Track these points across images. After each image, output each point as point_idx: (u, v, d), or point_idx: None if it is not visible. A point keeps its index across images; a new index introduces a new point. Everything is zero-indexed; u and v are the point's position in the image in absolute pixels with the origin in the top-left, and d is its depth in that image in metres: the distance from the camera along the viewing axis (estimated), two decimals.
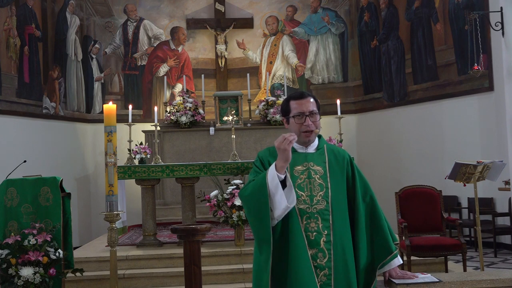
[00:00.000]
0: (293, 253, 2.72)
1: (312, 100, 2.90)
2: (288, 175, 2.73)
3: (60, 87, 10.29)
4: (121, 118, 8.30)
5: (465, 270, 5.92)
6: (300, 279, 2.70)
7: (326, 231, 2.76)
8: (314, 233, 2.75)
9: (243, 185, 6.64)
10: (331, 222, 2.77)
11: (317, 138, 2.97)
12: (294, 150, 2.90)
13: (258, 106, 10.37)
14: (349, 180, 2.92)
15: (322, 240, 2.75)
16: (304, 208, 2.77)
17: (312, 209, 2.77)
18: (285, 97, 10.10)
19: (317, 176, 2.84)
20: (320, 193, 2.80)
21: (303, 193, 2.79)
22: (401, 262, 3.05)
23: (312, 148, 2.93)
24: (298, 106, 2.87)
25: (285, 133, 2.70)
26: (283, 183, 2.70)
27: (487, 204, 8.56)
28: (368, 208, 2.93)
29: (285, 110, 2.94)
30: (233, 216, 6.42)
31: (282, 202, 2.67)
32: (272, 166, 2.71)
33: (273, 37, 11.94)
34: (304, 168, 2.85)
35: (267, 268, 2.72)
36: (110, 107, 4.08)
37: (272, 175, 2.68)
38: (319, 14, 11.85)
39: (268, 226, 2.69)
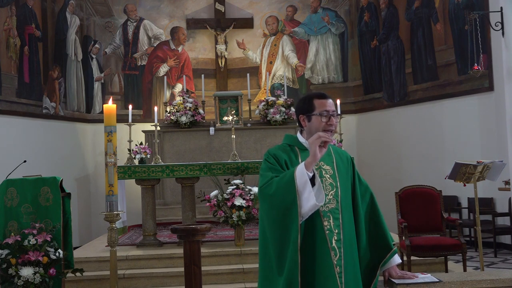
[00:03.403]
0: (318, 261, 2.73)
1: (332, 101, 2.92)
2: (317, 173, 2.71)
3: (60, 87, 10.29)
4: (121, 118, 8.29)
5: (465, 270, 5.92)
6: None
7: (337, 230, 2.78)
8: (327, 232, 2.77)
9: (243, 185, 6.64)
10: (341, 221, 2.80)
11: None
12: (305, 149, 2.90)
13: (258, 106, 10.36)
14: (351, 180, 2.97)
15: (333, 238, 2.77)
16: None
17: (325, 208, 2.79)
18: (285, 97, 10.26)
19: (328, 175, 2.86)
20: (331, 192, 2.83)
21: None
22: (400, 261, 3.08)
23: None
24: (323, 105, 2.87)
25: (321, 133, 2.72)
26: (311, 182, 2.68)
27: (487, 204, 8.56)
28: (368, 206, 2.99)
29: (306, 108, 2.90)
30: (233, 216, 6.41)
31: (310, 199, 2.63)
32: (302, 164, 2.68)
33: (273, 37, 11.94)
34: (316, 167, 2.86)
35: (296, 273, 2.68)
36: (110, 107, 4.06)
37: (301, 172, 2.65)
38: (319, 14, 11.85)
39: (297, 224, 2.65)
